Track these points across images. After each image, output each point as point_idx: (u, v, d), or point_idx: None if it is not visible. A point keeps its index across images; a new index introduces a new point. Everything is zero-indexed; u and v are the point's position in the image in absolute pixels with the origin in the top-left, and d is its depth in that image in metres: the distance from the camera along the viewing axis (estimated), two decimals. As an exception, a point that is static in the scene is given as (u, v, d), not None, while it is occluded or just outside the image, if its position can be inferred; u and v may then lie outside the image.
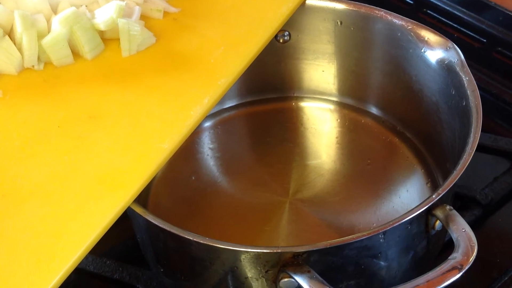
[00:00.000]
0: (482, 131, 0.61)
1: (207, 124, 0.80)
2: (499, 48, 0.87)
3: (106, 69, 0.69)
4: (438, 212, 0.56)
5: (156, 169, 0.59)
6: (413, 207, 0.56)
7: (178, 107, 0.64)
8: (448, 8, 0.90)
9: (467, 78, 0.65)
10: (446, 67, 0.68)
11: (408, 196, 0.72)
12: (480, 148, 0.61)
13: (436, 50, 0.69)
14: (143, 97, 0.65)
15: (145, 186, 0.58)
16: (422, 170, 0.74)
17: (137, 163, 0.59)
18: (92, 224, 0.55)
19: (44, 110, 0.64)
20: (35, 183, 0.58)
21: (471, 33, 0.89)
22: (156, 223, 0.56)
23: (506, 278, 0.66)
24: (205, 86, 0.66)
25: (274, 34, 0.72)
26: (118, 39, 0.70)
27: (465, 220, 0.56)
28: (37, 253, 0.53)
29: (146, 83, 0.66)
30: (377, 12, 0.73)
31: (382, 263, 0.58)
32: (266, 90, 0.82)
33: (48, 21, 0.69)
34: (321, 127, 0.80)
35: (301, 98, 0.82)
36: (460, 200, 0.72)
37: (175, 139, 0.61)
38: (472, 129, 0.61)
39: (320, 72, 0.80)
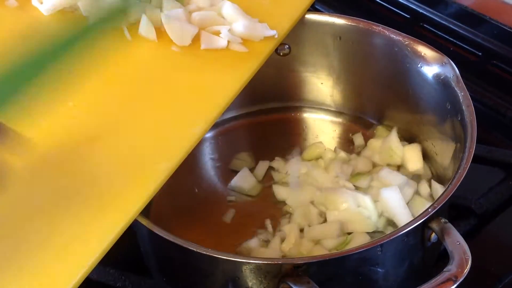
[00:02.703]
0: (477, 142, 0.62)
1: (208, 134, 0.81)
2: (494, 61, 0.88)
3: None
4: (434, 225, 0.57)
5: (155, 190, 0.58)
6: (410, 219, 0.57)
7: (177, 126, 0.63)
8: (444, 22, 0.91)
9: (462, 93, 0.66)
10: (441, 82, 0.69)
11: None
12: (476, 159, 0.61)
13: (432, 65, 0.70)
14: (143, 116, 0.64)
15: (145, 205, 0.58)
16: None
17: (136, 184, 0.59)
18: (93, 245, 0.55)
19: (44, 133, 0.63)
20: (37, 205, 0.58)
21: (466, 47, 0.90)
22: (159, 233, 0.57)
23: (501, 286, 0.67)
24: (205, 105, 0.65)
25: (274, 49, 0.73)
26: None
27: (461, 229, 0.57)
28: (40, 275, 0.53)
29: (146, 102, 0.66)
30: (375, 27, 0.74)
31: (380, 273, 0.59)
32: (267, 101, 0.83)
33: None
34: (321, 137, 0.81)
35: (300, 109, 0.84)
36: (455, 209, 0.72)
37: (174, 158, 0.60)
38: (467, 144, 0.62)
39: (319, 84, 0.81)
